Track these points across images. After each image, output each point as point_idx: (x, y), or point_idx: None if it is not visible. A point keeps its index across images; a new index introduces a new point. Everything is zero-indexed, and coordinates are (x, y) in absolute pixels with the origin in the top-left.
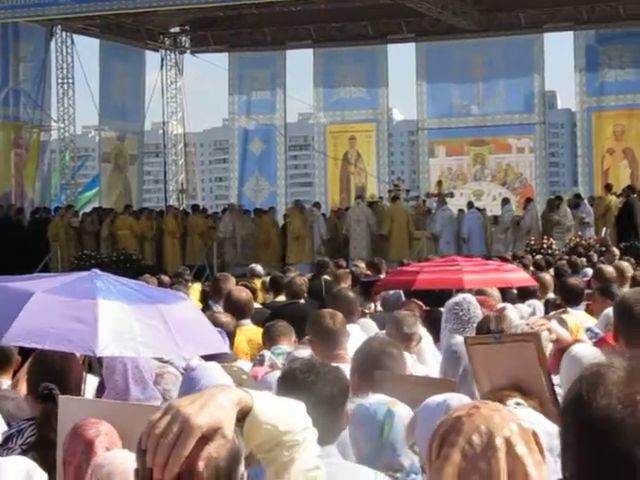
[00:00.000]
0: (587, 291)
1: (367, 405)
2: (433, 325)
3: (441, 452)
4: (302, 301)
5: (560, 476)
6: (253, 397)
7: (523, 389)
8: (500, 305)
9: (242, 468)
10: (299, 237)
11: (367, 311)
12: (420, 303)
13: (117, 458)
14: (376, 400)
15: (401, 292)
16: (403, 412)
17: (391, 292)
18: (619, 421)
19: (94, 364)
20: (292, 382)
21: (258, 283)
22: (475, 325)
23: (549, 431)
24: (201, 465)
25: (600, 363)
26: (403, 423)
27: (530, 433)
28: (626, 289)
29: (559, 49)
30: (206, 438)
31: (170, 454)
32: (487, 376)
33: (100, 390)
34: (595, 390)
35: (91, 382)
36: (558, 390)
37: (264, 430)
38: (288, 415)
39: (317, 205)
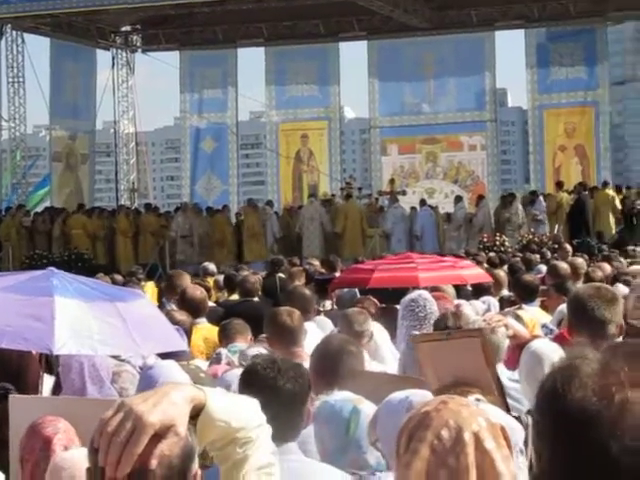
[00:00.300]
0: (541, 287)
1: (332, 402)
2: (389, 322)
3: (409, 447)
4: (255, 299)
5: (522, 470)
6: (206, 394)
7: (470, 383)
8: (455, 302)
9: (195, 466)
10: (254, 235)
11: (322, 309)
12: (375, 300)
13: (76, 459)
14: (342, 397)
15: (356, 290)
16: (369, 409)
17: (345, 290)
18: (595, 413)
19: (53, 363)
20: (254, 378)
21: (211, 281)
22: (432, 321)
23: (511, 426)
24: (154, 463)
25: (574, 356)
26: (369, 420)
27: (498, 428)
28: (579, 285)
29: (510, 47)
30: (159, 436)
31: (122, 452)
32: (434, 373)
33: (56, 389)
34: (570, 383)
35: (48, 381)
36: (515, 385)
37: (217, 427)
38: (242, 412)
39: (270, 203)
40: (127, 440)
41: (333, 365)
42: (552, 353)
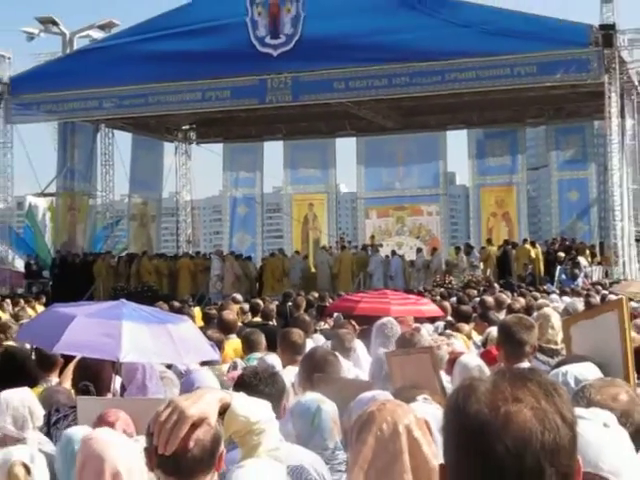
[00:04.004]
0: (474, 314)
1: (303, 402)
2: (366, 339)
3: (359, 437)
4: (271, 322)
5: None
6: (232, 396)
7: (422, 386)
8: (414, 325)
9: (222, 448)
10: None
11: (319, 328)
12: (354, 323)
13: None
14: (309, 398)
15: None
16: (329, 407)
17: (336, 315)
18: (485, 423)
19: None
20: (243, 384)
21: (236, 308)
22: (395, 339)
23: (438, 417)
24: (191, 444)
25: (473, 377)
26: (329, 415)
27: (423, 422)
28: (502, 314)
29: (457, 142)
30: (196, 425)
31: (170, 436)
32: (400, 378)
33: (122, 388)
34: (468, 398)
35: (118, 381)
36: (450, 387)
37: (239, 421)
38: (257, 410)
39: (297, 252)
40: (173, 427)
41: (316, 370)
42: (475, 366)
